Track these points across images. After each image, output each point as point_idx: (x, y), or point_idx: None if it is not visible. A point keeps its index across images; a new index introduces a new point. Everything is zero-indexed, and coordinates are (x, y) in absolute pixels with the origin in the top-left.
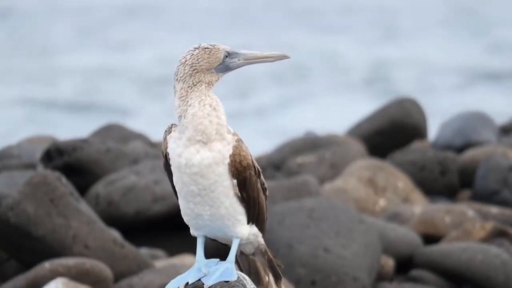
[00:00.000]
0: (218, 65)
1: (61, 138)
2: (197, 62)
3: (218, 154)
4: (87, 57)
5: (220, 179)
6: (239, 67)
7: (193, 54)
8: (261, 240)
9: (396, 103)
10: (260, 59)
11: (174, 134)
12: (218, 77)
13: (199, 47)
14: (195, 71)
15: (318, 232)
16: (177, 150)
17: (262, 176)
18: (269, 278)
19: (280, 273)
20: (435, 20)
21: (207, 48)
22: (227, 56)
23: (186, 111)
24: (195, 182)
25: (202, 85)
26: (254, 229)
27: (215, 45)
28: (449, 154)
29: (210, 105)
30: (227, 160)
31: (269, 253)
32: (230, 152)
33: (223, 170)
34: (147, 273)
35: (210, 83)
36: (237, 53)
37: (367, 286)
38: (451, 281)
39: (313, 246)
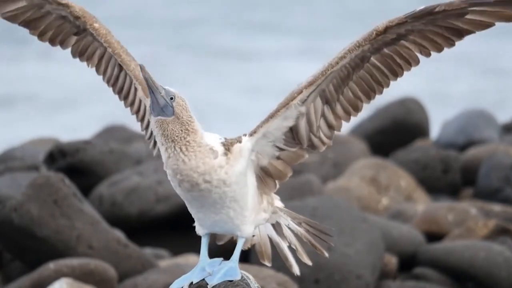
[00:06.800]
0: None
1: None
2: None
3: (217, 177)
4: None
5: (227, 190)
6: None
7: None
8: (279, 204)
9: (398, 102)
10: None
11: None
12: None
13: None
14: None
15: None
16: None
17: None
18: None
19: (326, 241)
20: None
21: None
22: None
23: None
24: (199, 201)
25: None
26: (261, 215)
27: None
28: (452, 153)
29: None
30: (226, 164)
31: (304, 221)
32: (224, 158)
33: (226, 178)
34: (151, 273)
35: None
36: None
37: (371, 284)
38: (454, 279)
39: None
